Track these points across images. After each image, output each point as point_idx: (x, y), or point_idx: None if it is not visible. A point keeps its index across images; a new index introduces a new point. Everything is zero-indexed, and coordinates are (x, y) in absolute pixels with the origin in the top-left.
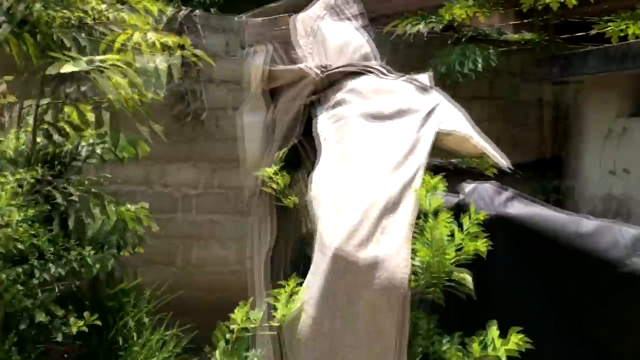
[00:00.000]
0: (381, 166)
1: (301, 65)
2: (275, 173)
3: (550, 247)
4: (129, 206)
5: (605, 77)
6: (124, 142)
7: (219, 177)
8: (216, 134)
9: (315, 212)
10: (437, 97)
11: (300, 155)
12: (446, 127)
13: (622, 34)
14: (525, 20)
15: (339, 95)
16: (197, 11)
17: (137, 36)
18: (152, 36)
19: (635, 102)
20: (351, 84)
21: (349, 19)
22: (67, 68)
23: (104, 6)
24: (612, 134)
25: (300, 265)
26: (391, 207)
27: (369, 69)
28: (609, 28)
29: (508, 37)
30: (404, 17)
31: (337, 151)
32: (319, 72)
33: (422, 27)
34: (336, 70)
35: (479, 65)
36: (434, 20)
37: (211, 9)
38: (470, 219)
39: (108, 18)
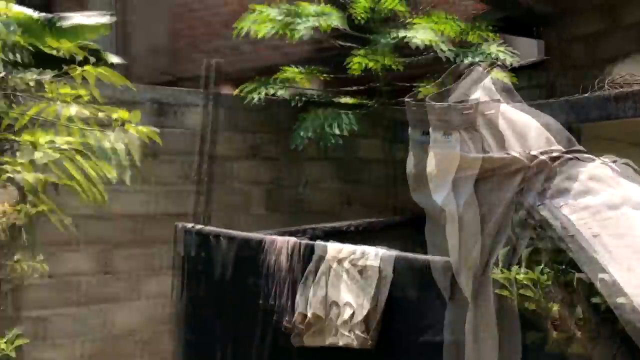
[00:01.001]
0: None
1: (513, 153)
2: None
3: None
4: None
5: None
6: None
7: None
8: None
9: None
10: None
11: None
12: None
13: None
14: (361, 87)
15: (575, 185)
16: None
17: (78, 110)
18: (93, 110)
19: None
20: (580, 170)
21: (499, 100)
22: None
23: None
24: None
25: None
26: None
27: (587, 154)
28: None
29: (348, 101)
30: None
31: (623, 248)
32: (530, 159)
33: (277, 92)
34: (563, 156)
35: (344, 129)
36: (279, 86)
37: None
38: None
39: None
